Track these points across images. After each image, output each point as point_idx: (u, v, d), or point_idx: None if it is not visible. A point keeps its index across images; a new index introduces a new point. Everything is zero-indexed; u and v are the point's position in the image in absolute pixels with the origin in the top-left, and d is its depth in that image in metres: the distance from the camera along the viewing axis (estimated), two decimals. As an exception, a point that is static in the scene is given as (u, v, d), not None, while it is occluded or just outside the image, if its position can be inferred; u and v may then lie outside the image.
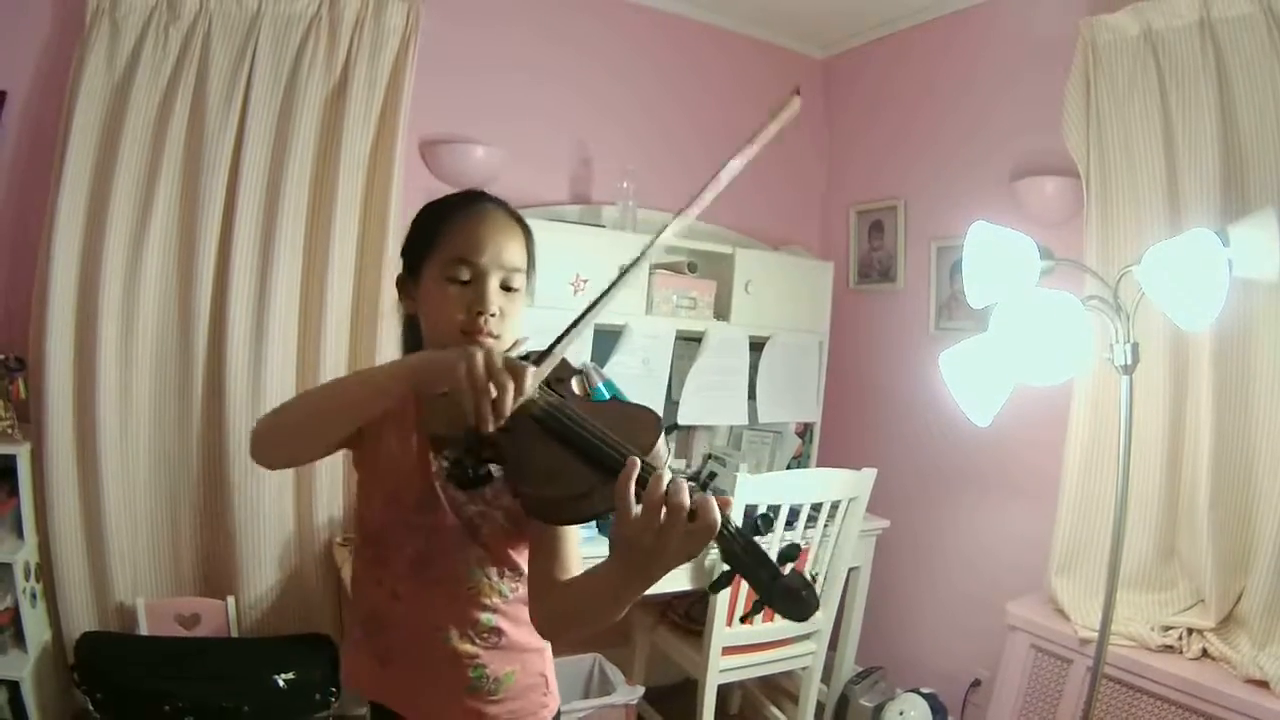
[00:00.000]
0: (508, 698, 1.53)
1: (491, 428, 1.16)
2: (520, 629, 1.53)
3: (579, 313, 1.32)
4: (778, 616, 3.11)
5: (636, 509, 1.11)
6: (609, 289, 1.33)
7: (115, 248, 3.05)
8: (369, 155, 3.38)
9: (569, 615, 1.37)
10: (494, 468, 1.28)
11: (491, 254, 1.44)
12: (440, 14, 3.48)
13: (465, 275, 1.42)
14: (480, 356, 1.18)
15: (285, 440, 1.47)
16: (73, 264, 3.02)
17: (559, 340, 1.30)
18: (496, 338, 1.42)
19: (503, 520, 1.48)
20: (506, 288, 1.45)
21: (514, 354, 1.35)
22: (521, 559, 1.51)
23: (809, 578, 1.16)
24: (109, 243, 3.04)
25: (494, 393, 1.16)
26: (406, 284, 1.52)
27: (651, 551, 1.11)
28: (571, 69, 3.96)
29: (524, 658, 1.56)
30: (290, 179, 3.24)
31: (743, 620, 1.11)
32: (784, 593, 1.16)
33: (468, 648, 1.49)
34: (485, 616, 1.50)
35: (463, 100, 3.70)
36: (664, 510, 1.09)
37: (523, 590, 1.51)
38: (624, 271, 1.35)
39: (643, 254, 1.37)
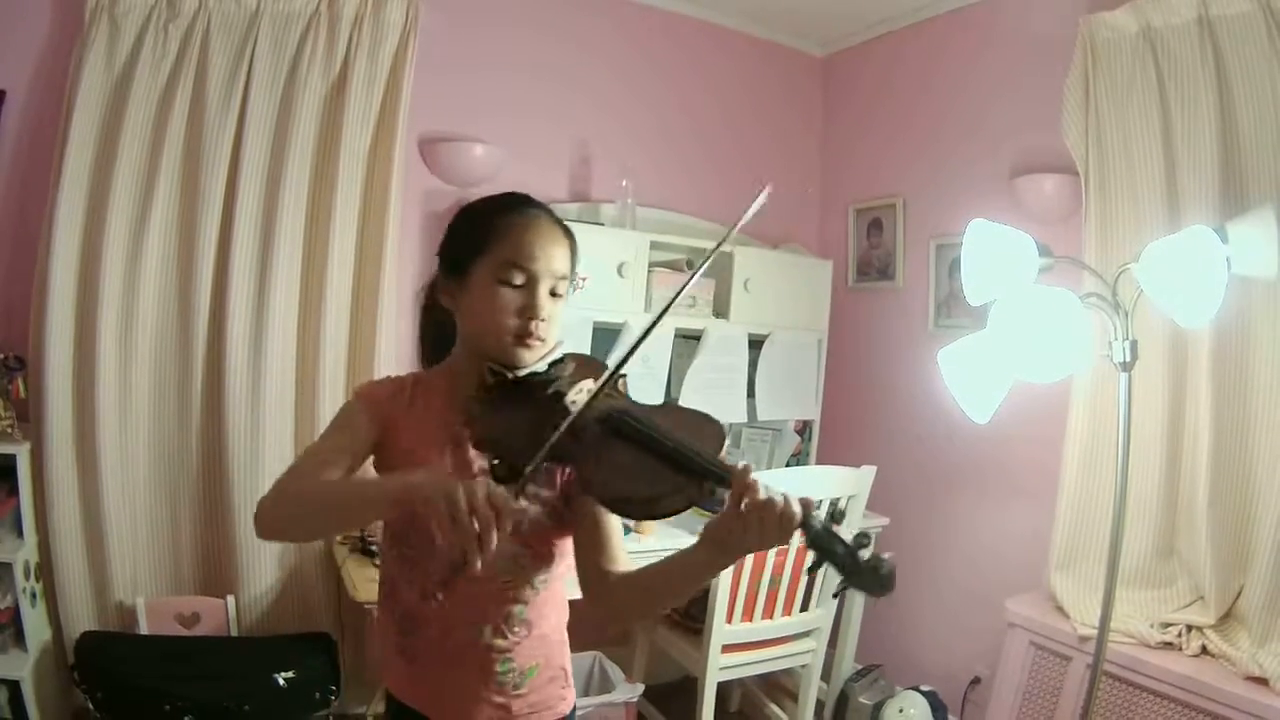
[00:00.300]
0: (530, 691, 1.56)
1: (478, 564, 1.16)
2: (545, 621, 1.58)
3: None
4: (777, 613, 3.12)
5: (740, 511, 1.25)
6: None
7: (115, 247, 3.06)
8: (368, 152, 3.38)
9: (644, 603, 1.52)
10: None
11: (544, 261, 1.47)
12: (439, 11, 3.48)
13: (519, 280, 1.46)
14: (462, 496, 1.16)
15: (283, 533, 1.50)
16: (72, 263, 3.03)
17: (622, 360, 1.37)
18: (543, 341, 1.48)
19: (543, 515, 1.51)
20: (553, 294, 1.50)
21: (552, 358, 1.46)
22: (556, 551, 1.55)
23: (883, 557, 1.25)
24: (109, 242, 3.04)
25: (477, 530, 1.15)
26: (449, 282, 1.54)
27: (746, 544, 1.27)
28: (571, 66, 3.96)
29: (547, 651, 1.59)
30: (290, 176, 3.25)
31: (834, 596, 1.28)
32: (866, 571, 1.25)
33: (499, 641, 1.52)
34: (518, 609, 1.53)
35: (462, 98, 3.70)
36: (764, 512, 1.24)
37: (551, 583, 1.57)
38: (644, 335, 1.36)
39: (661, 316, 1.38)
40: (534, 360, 1.47)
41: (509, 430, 1.38)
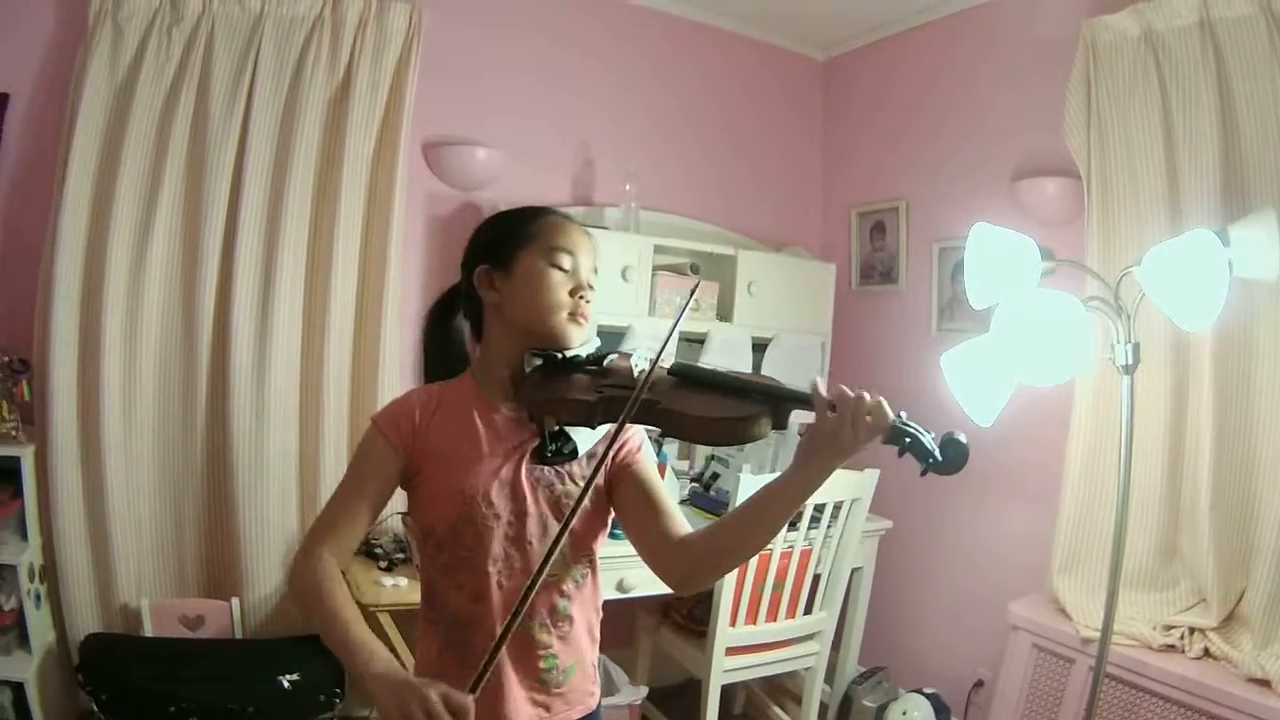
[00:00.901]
0: (570, 689, 1.59)
1: None
2: (585, 617, 1.61)
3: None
4: (781, 616, 3.12)
5: (830, 412, 1.31)
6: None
7: (119, 250, 3.06)
8: (372, 157, 3.39)
9: (724, 552, 1.47)
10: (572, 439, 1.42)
11: (585, 251, 1.60)
12: (442, 16, 3.49)
13: (567, 263, 1.56)
14: (419, 712, 1.21)
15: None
16: (76, 267, 3.03)
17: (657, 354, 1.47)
18: (588, 320, 1.57)
19: (588, 502, 1.52)
20: (589, 285, 1.59)
21: (584, 353, 1.54)
22: (596, 545, 1.61)
23: (955, 434, 1.34)
24: (112, 245, 3.05)
25: None
26: (491, 276, 1.58)
27: (843, 441, 1.31)
28: (574, 71, 3.97)
29: (584, 648, 1.62)
30: (293, 181, 3.26)
31: (922, 474, 1.33)
32: (944, 444, 1.33)
33: (544, 637, 1.54)
34: (563, 604, 1.56)
35: (465, 102, 3.71)
36: (856, 408, 1.30)
37: (590, 577, 1.61)
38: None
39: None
40: (580, 341, 1.56)
41: (573, 393, 1.44)
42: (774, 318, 3.99)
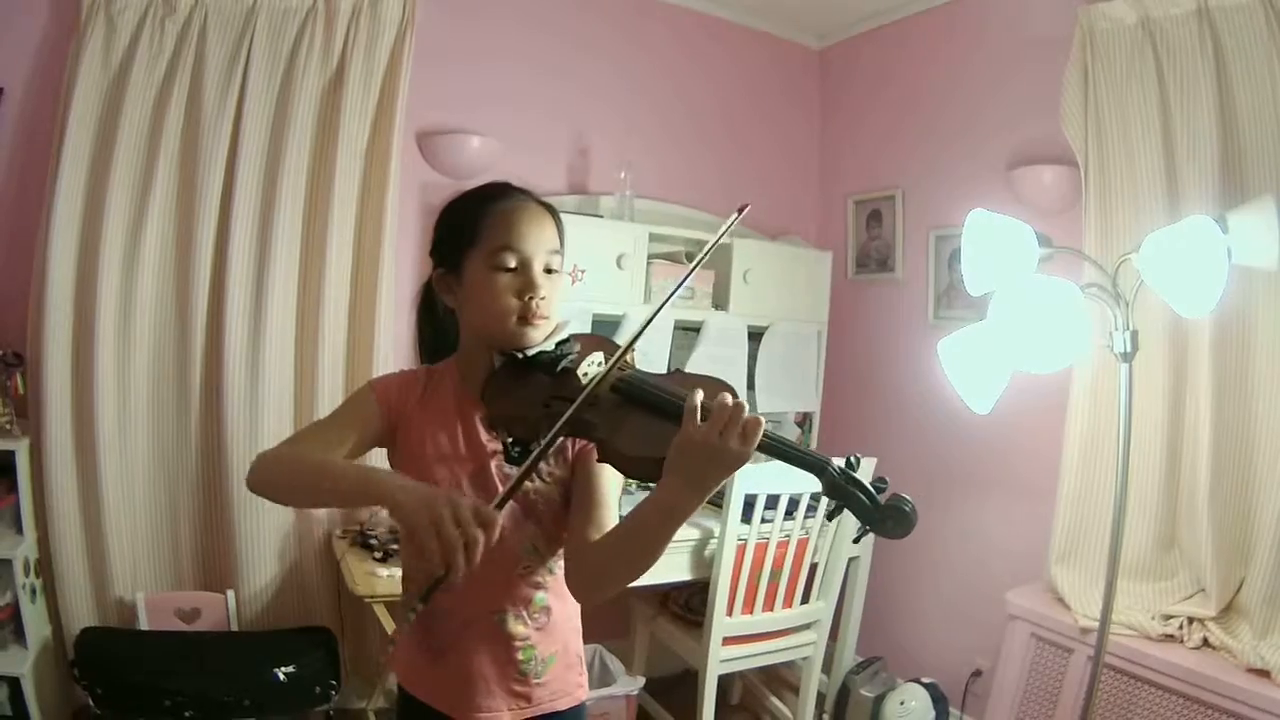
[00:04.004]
0: (550, 679, 1.58)
1: (462, 574, 1.19)
2: (564, 607, 1.59)
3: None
4: (778, 605, 3.12)
5: (701, 417, 1.23)
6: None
7: (112, 242, 3.05)
8: (366, 147, 3.38)
9: (611, 563, 1.41)
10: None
11: (534, 240, 1.50)
12: (436, 5, 3.48)
13: (512, 262, 1.48)
14: (448, 514, 1.19)
15: (270, 493, 1.49)
16: (70, 259, 3.02)
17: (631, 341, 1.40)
18: (545, 319, 1.49)
19: (558, 496, 1.53)
20: (548, 270, 1.51)
21: (557, 338, 1.47)
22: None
23: (904, 496, 1.28)
24: (106, 237, 3.03)
25: (466, 546, 1.19)
26: (447, 280, 1.55)
27: (713, 455, 1.22)
28: (568, 59, 3.96)
29: (565, 639, 1.61)
30: (287, 171, 3.25)
31: (855, 541, 1.21)
32: (888, 512, 1.27)
33: (520, 629, 1.54)
34: (539, 595, 1.56)
35: (459, 91, 3.70)
36: (725, 416, 1.22)
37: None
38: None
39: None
40: (541, 339, 1.48)
41: (523, 408, 1.40)
42: (770, 306, 3.99)
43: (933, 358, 2.76)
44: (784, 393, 4.08)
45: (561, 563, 1.56)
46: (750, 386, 3.97)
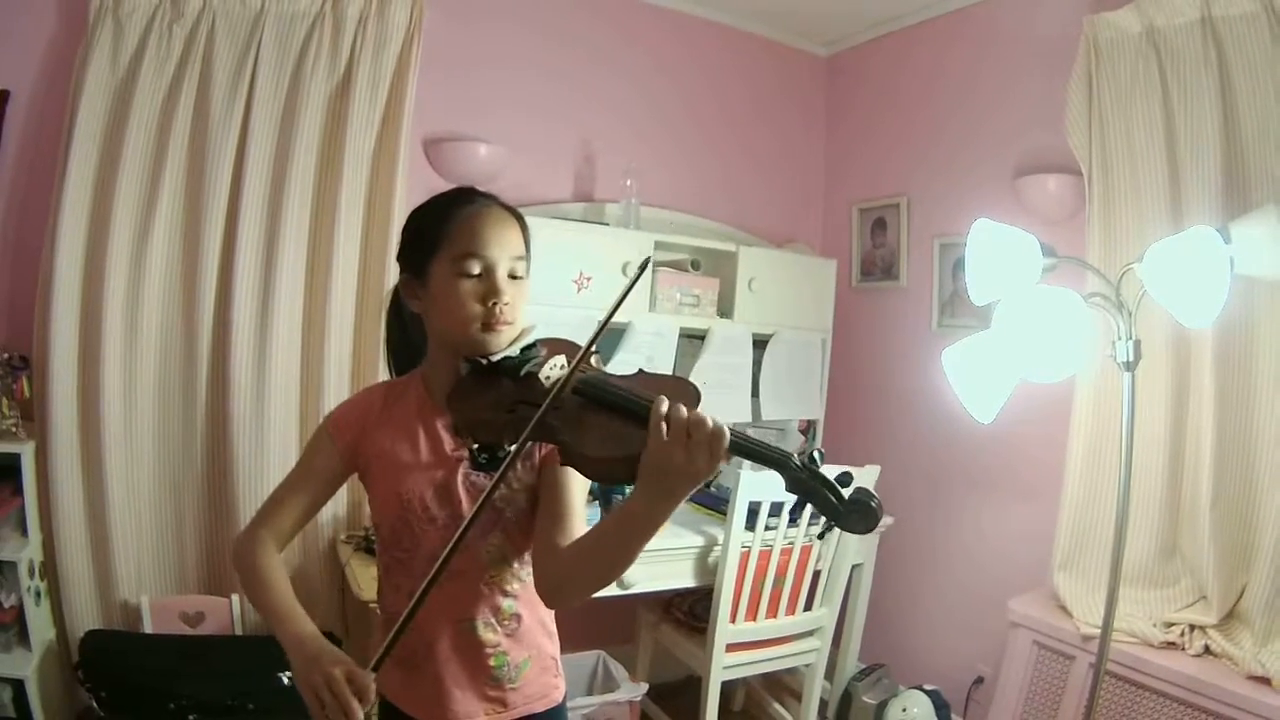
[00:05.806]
0: (525, 683, 1.59)
1: None
2: (535, 613, 1.60)
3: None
4: (781, 612, 3.12)
5: (667, 433, 1.20)
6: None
7: (119, 246, 3.06)
8: (372, 153, 3.38)
9: (580, 570, 1.40)
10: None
11: (497, 245, 1.49)
12: (443, 11, 3.49)
13: (475, 269, 1.47)
14: (323, 684, 1.31)
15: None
16: (77, 263, 3.03)
17: (587, 345, 1.41)
18: (510, 324, 1.48)
19: (525, 502, 1.54)
20: (513, 276, 1.51)
21: (522, 343, 1.47)
22: None
23: (869, 491, 1.23)
24: (113, 241, 3.04)
25: (344, 713, 1.29)
26: (412, 285, 1.56)
27: (680, 468, 1.20)
28: (575, 66, 3.97)
29: (539, 643, 1.61)
30: (294, 176, 3.25)
31: (820, 537, 1.19)
32: (852, 506, 1.23)
33: (491, 636, 1.55)
34: (507, 603, 1.56)
35: (466, 98, 3.71)
36: (689, 429, 1.20)
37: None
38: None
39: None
40: (505, 344, 1.48)
41: (487, 412, 1.40)
42: (775, 314, 3.98)
43: (937, 366, 2.76)
44: (788, 400, 4.08)
45: (530, 569, 1.56)
46: (755, 394, 3.97)
